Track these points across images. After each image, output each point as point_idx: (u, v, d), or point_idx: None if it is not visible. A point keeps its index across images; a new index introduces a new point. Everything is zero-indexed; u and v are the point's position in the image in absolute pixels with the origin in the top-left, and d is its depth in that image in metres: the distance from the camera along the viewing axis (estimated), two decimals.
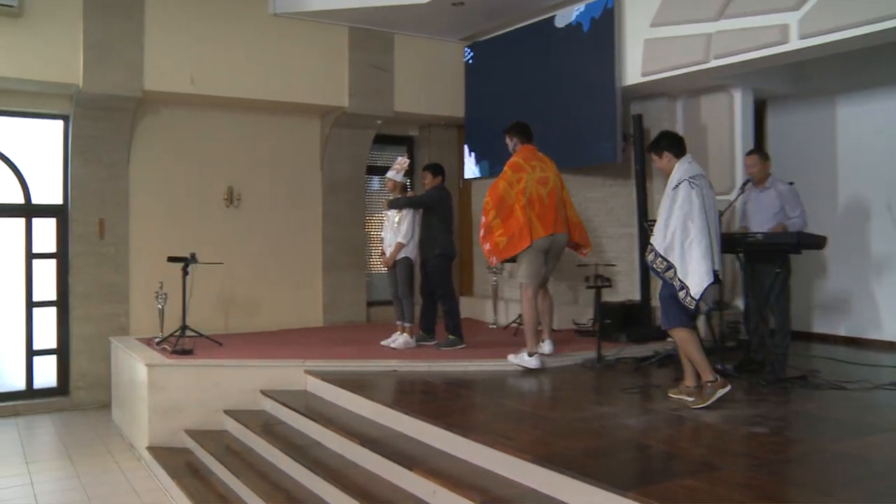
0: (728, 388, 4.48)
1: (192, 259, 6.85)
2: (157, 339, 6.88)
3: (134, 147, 7.92)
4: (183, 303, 6.84)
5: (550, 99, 7.83)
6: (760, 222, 5.76)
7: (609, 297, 7.55)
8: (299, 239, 8.74)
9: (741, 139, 7.32)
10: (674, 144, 4.78)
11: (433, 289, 6.63)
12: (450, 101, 9.09)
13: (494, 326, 8.20)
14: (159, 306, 7.01)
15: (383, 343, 6.82)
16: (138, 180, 7.94)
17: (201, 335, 6.96)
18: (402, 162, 6.80)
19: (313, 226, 8.84)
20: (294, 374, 5.89)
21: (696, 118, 7.53)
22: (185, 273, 6.83)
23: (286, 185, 8.69)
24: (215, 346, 6.76)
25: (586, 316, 7.59)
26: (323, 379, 5.60)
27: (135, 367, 6.23)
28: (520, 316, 7.36)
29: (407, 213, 6.59)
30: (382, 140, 9.43)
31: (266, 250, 8.55)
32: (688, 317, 4.45)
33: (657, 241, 4.42)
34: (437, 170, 6.79)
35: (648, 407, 4.55)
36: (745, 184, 5.93)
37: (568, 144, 7.53)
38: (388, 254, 6.71)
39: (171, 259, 6.97)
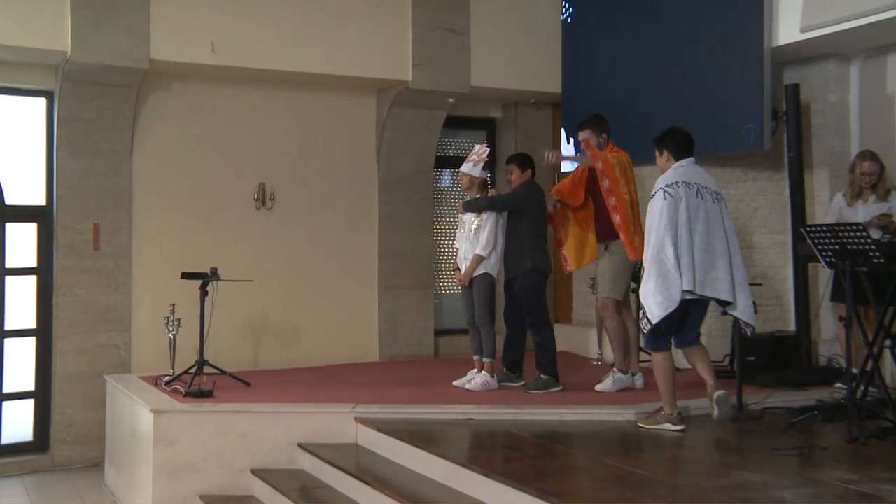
0: (681, 427, 5.34)
1: (214, 276, 6.92)
2: (166, 378, 6.92)
3: (138, 133, 7.99)
4: (201, 331, 6.87)
5: (674, 67, 7.93)
6: None
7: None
8: (349, 250, 8.84)
9: None
10: (677, 144, 5.38)
11: (521, 314, 6.69)
12: (542, 73, 9.16)
13: (599, 363, 8.19)
14: (170, 335, 6.98)
15: (456, 383, 6.90)
16: (143, 175, 8.01)
17: (224, 372, 6.99)
18: (480, 151, 6.87)
19: (367, 234, 8.93)
20: (341, 422, 5.96)
21: (879, 86, 7.38)
22: (204, 293, 6.89)
23: (332, 181, 8.79)
24: (241, 387, 6.84)
25: (721, 351, 7.48)
26: (378, 429, 5.68)
27: (137, 413, 6.29)
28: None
29: (488, 218, 6.68)
30: (455, 123, 9.51)
31: (307, 265, 8.65)
32: (666, 340, 5.21)
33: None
34: (525, 162, 6.86)
35: (810, 476, 4.48)
36: None
37: (698, 127, 6.98)
38: (462, 269, 6.78)
39: (186, 276, 7.03)
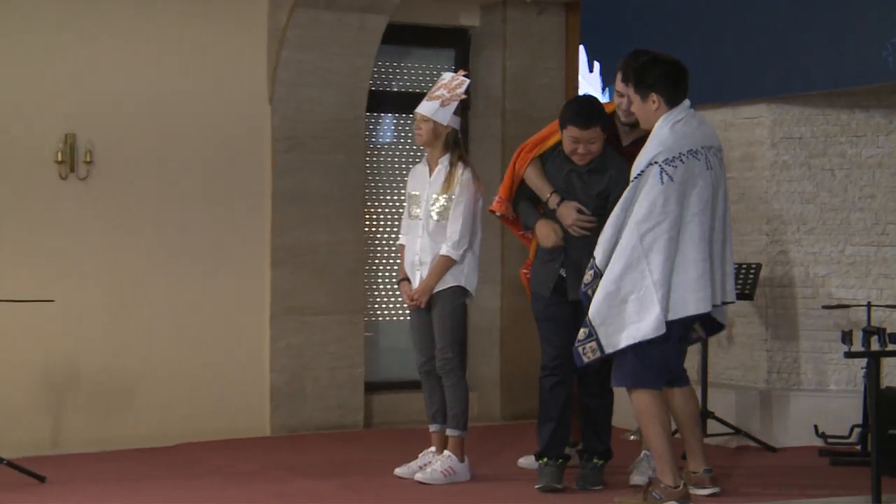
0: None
1: None
2: None
3: None
4: None
5: None
6: None
7: None
8: (220, 250, 8.74)
9: None
10: (670, 80, 5.76)
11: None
12: None
13: (636, 437, 8.01)
14: None
15: (399, 472, 6.87)
16: None
17: (1, 461, 6.87)
18: (453, 83, 6.90)
19: (252, 222, 8.86)
20: None
21: None
22: None
23: (191, 134, 8.69)
24: (32, 485, 6.73)
25: (845, 419, 7.46)
26: None
27: None
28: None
29: (461, 196, 6.74)
30: (404, 37, 9.60)
31: (147, 273, 8.56)
32: (656, 372, 5.68)
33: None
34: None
35: None
36: None
37: (798, 45, 7.75)
38: (416, 280, 6.85)
39: None
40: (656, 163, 5.55)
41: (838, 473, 6.73)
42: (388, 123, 9.73)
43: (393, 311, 9.56)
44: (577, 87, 9.20)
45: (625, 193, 5.63)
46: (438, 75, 7.19)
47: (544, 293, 6.48)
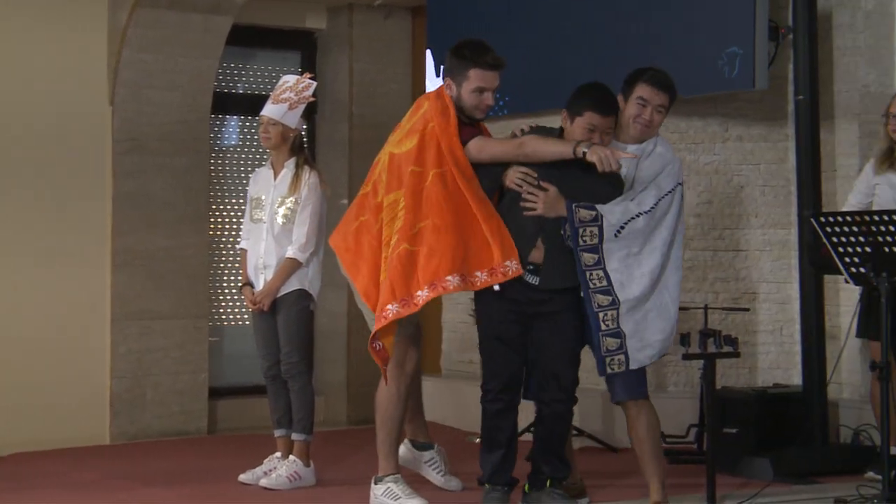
0: None
1: None
2: None
3: None
4: None
5: None
6: None
7: (733, 378, 7.80)
8: (58, 252, 8.61)
9: None
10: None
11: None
12: None
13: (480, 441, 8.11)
14: None
15: (244, 478, 6.82)
16: None
17: None
18: (299, 85, 6.93)
19: (92, 225, 8.74)
20: None
21: None
22: None
23: (32, 137, 8.56)
24: None
25: (681, 419, 7.52)
26: None
27: None
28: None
29: (308, 199, 6.74)
30: (250, 39, 9.64)
31: None
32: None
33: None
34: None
35: None
36: None
37: (642, 53, 7.54)
38: (260, 284, 6.80)
39: None
40: (680, 184, 5.60)
41: (676, 471, 6.74)
42: (233, 126, 9.77)
43: (238, 316, 9.57)
44: (424, 91, 8.81)
45: (652, 207, 5.52)
46: (282, 77, 7.17)
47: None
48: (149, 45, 8.63)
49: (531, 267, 5.60)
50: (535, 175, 5.64)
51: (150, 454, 7.95)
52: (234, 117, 9.73)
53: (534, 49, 8.20)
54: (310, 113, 9.17)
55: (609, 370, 5.49)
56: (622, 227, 5.46)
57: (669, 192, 5.56)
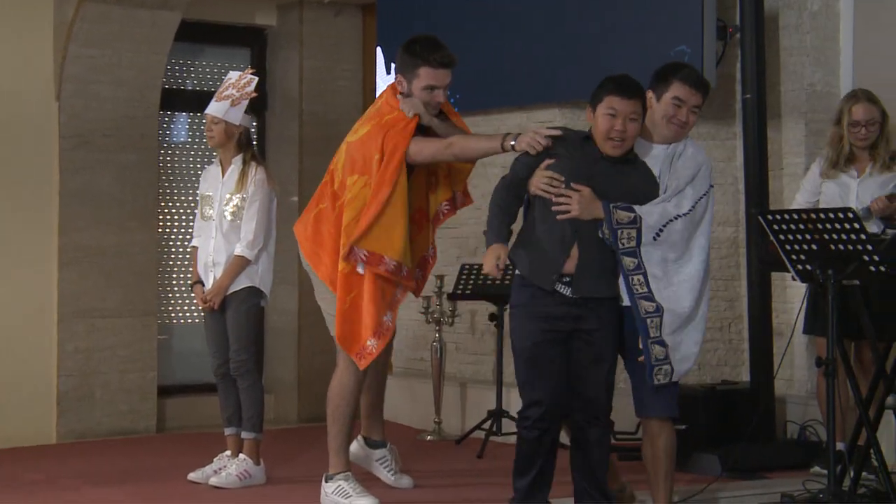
0: None
1: None
2: None
3: None
4: None
5: None
6: None
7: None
8: (7, 249, 8.60)
9: None
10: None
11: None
12: None
13: (433, 439, 8.33)
14: None
15: (193, 477, 6.82)
16: None
17: None
18: (241, 82, 6.89)
19: (38, 222, 8.71)
20: None
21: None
22: None
23: None
24: None
25: (632, 416, 7.40)
26: None
27: None
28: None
29: (255, 195, 6.74)
30: (198, 35, 9.65)
31: None
32: None
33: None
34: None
35: None
36: None
37: (594, 51, 7.88)
38: (210, 282, 6.83)
39: None
40: (712, 187, 5.44)
41: (626, 468, 6.59)
42: (182, 122, 9.75)
43: (188, 314, 9.57)
44: (374, 89, 9.20)
45: (690, 210, 5.28)
46: (226, 74, 7.16)
47: (545, 285, 5.37)
48: (95, 41, 8.59)
49: (567, 279, 5.23)
50: (563, 178, 5.28)
51: (98, 453, 7.91)
52: (183, 114, 9.74)
53: (484, 47, 8.20)
54: (260, 110, 9.51)
55: (656, 381, 5.23)
56: (661, 230, 5.24)
57: (704, 194, 5.35)
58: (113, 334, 8.81)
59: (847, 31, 7.56)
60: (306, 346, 9.42)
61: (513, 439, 7.59)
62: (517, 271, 5.44)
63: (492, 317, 7.79)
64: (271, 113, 9.82)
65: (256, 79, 6.91)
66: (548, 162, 5.37)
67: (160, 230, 9.35)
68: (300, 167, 9.46)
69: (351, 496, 6.02)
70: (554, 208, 5.23)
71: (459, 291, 7.82)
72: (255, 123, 8.87)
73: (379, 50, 9.19)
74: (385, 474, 6.45)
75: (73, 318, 8.71)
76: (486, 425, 7.82)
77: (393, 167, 5.80)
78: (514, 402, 7.75)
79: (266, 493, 6.55)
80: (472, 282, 7.59)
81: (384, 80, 9.01)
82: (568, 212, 5.18)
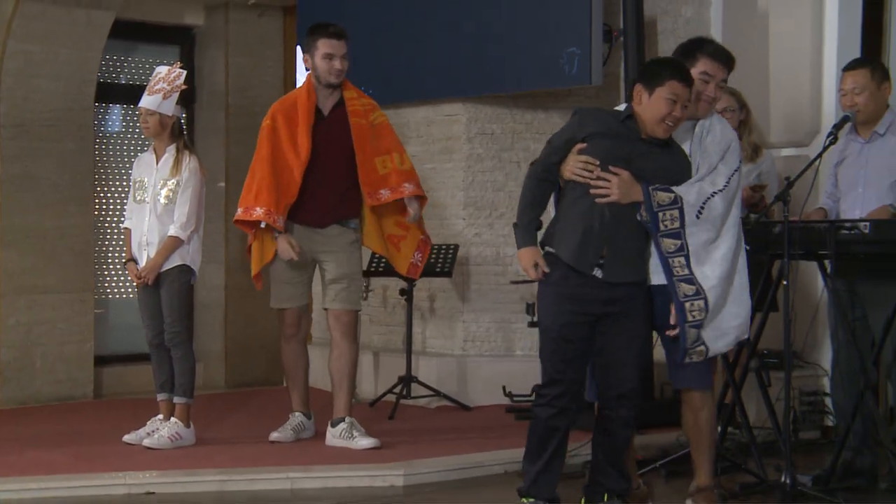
0: None
1: None
2: None
3: None
4: None
5: None
6: (868, 199, 6.05)
7: None
8: None
9: (836, 45, 7.52)
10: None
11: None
12: None
13: (356, 402, 8.17)
14: None
15: (128, 438, 6.97)
16: None
17: None
18: (170, 75, 7.01)
19: None
20: None
21: (749, 3, 7.82)
22: None
23: None
24: None
25: (527, 380, 7.63)
26: None
27: None
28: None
29: (189, 181, 6.88)
30: (131, 33, 9.66)
31: None
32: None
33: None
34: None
35: None
36: (838, 125, 6.04)
37: (494, 52, 8.12)
38: (143, 260, 6.95)
39: None
40: (741, 161, 5.34)
41: (522, 427, 6.19)
42: (116, 113, 9.79)
43: (122, 290, 9.68)
44: (294, 84, 9.41)
45: (725, 185, 5.14)
46: (154, 69, 7.20)
47: (586, 269, 5.11)
48: (34, 37, 8.63)
49: (601, 261, 5.04)
50: (597, 162, 5.04)
51: (39, 418, 7.98)
52: (118, 106, 9.79)
53: (395, 47, 8.45)
54: (189, 103, 9.57)
55: (688, 359, 5.10)
56: (702, 208, 5.04)
57: (736, 170, 5.18)
58: (52, 309, 8.89)
59: (716, 36, 7.53)
60: (232, 319, 9.74)
61: (422, 402, 7.79)
62: (548, 248, 5.18)
63: (402, 291, 8.05)
64: (199, 105, 9.95)
65: (185, 72, 7.02)
66: (580, 146, 5.14)
67: (96, 213, 9.43)
68: (226, 155, 9.67)
69: (355, 437, 6.65)
70: (592, 191, 5.02)
71: (373, 269, 8.05)
72: (184, 115, 8.78)
73: (299, 48, 8.81)
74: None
75: (14, 295, 8.76)
76: (397, 390, 8.02)
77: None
78: (422, 369, 7.98)
79: (195, 452, 6.69)
80: (384, 260, 7.54)
81: (303, 75, 8.41)
82: (607, 195, 5.00)
